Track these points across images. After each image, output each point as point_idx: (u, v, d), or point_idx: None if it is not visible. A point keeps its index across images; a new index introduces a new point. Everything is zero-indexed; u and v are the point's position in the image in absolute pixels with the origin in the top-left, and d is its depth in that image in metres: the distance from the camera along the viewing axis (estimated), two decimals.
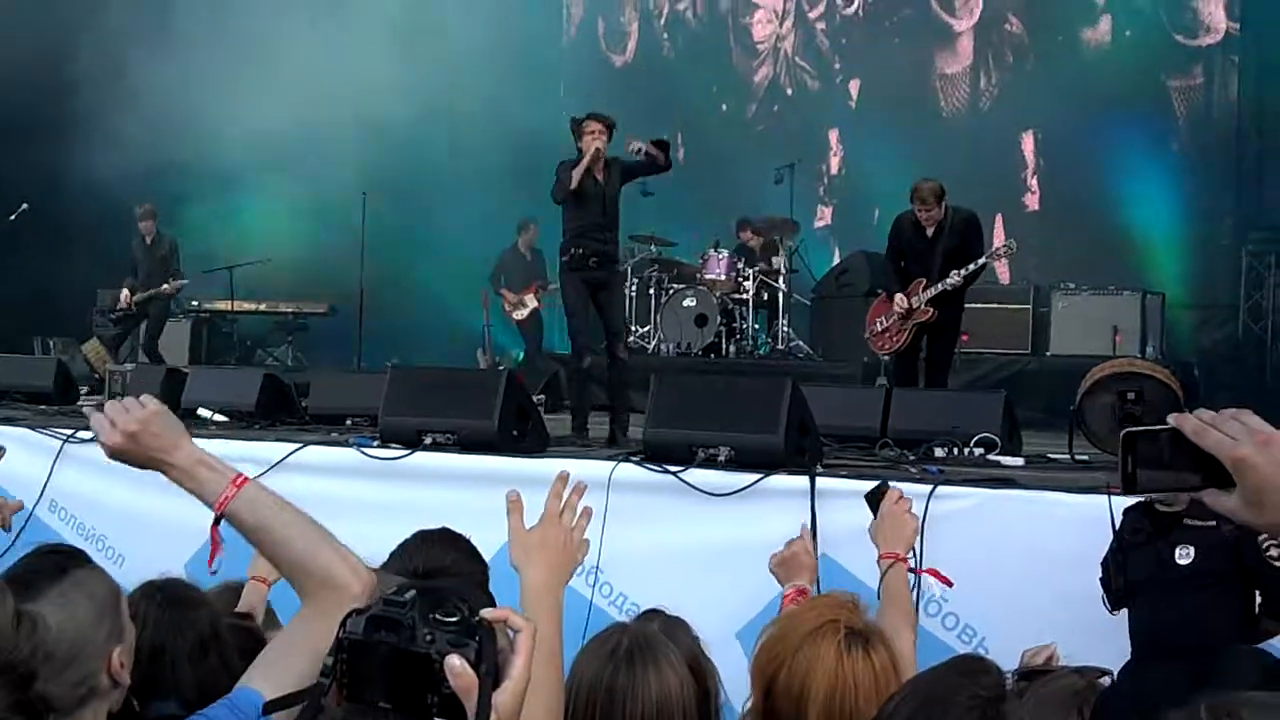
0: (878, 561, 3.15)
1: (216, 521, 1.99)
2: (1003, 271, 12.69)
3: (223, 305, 12.21)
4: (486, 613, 1.50)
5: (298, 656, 1.90)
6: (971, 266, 7.89)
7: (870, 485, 3.46)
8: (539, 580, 2.08)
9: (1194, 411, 1.41)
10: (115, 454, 2.02)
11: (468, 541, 3.08)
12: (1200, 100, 12.39)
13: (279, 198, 12.90)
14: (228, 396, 7.50)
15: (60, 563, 2.00)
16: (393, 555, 2.99)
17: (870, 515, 3.33)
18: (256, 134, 12.08)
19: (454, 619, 1.46)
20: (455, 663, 1.41)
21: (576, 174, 7.25)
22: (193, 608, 2.74)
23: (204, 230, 12.53)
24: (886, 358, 8.48)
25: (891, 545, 3.12)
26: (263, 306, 12.38)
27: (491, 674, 1.44)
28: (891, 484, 3.39)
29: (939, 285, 7.90)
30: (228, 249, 12.33)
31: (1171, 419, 1.41)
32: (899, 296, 8.05)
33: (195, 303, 12.49)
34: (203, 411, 7.27)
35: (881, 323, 8.22)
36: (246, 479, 2.00)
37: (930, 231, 7.96)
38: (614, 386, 7.41)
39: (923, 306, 7.99)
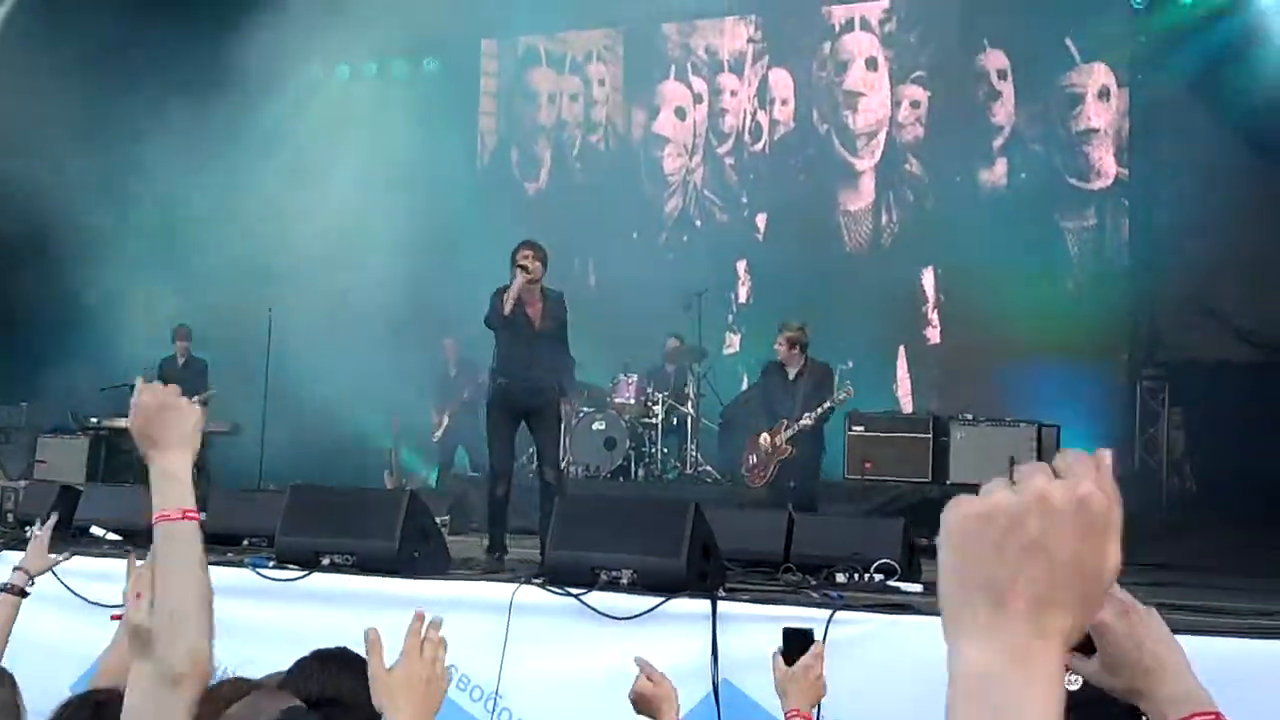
0: (785, 714, 3.21)
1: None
2: (905, 401, 12.96)
3: (122, 423, 11.95)
4: None
5: None
6: (819, 410, 9.24)
7: (789, 624, 3.47)
8: None
9: None
10: (133, 415, 2.15)
11: (365, 663, 3.03)
12: (1093, 240, 12.87)
13: (180, 316, 12.76)
14: (122, 514, 7.32)
15: None
16: (289, 675, 2.93)
17: (778, 642, 3.35)
18: (153, 248, 12.00)
19: None
20: None
21: (509, 300, 7.20)
22: None
23: (101, 343, 12.35)
24: (757, 489, 9.61)
25: (799, 702, 3.20)
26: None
27: None
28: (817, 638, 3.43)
29: (796, 425, 9.21)
30: (129, 364, 12.12)
31: None
32: (764, 436, 9.42)
33: (95, 420, 12.23)
34: (95, 530, 7.09)
35: (752, 459, 9.63)
36: (196, 517, 2.08)
37: (792, 375, 9.39)
38: (543, 512, 7.29)
39: (783, 445, 9.29)
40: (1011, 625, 0.92)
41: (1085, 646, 1.45)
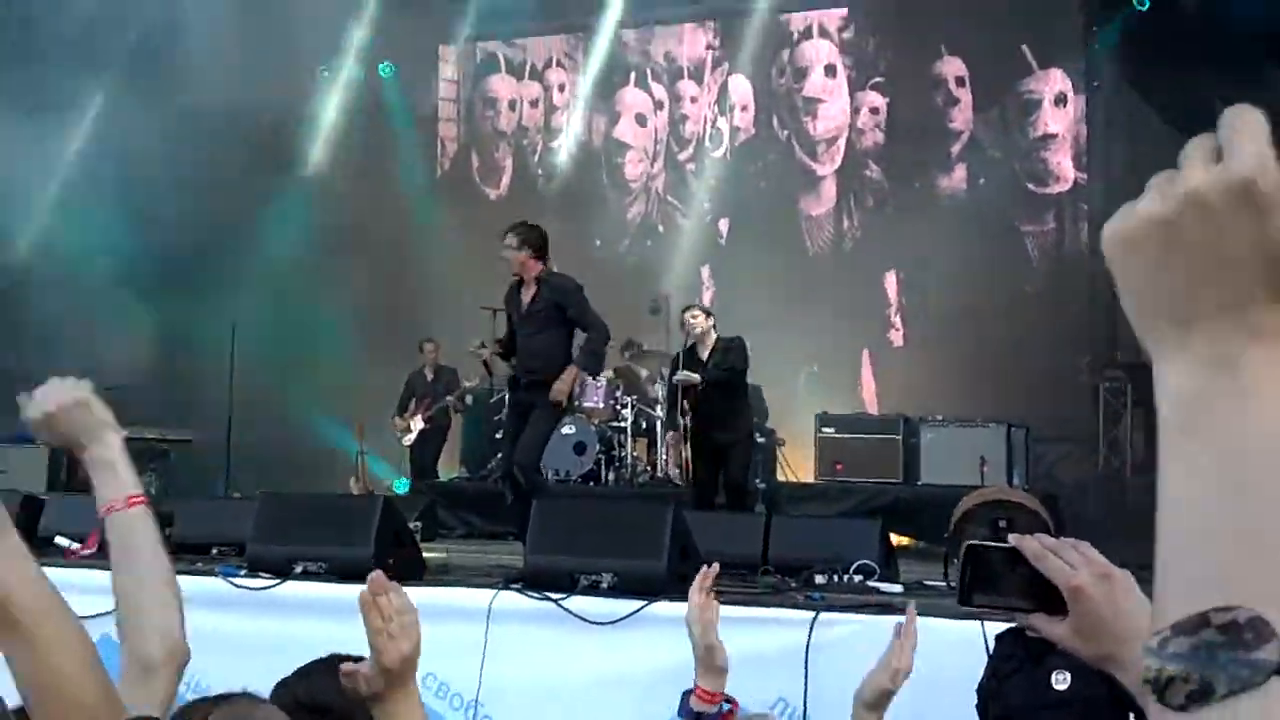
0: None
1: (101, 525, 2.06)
2: (871, 404, 13.00)
3: None
4: None
5: None
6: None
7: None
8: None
9: (1035, 535, 1.44)
10: (35, 429, 2.08)
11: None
12: (1053, 244, 12.98)
13: (144, 324, 12.59)
14: (88, 525, 7.17)
15: None
16: (277, 687, 2.87)
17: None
18: (119, 256, 11.81)
19: None
20: None
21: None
22: None
23: (66, 353, 12.16)
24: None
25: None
26: (126, 433, 11.91)
27: None
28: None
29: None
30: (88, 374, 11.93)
31: (1012, 539, 1.44)
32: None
33: None
34: (61, 540, 6.96)
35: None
36: (142, 500, 2.05)
37: (705, 355, 8.91)
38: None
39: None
40: (1208, 335, 0.78)
41: (1053, 607, 1.41)
